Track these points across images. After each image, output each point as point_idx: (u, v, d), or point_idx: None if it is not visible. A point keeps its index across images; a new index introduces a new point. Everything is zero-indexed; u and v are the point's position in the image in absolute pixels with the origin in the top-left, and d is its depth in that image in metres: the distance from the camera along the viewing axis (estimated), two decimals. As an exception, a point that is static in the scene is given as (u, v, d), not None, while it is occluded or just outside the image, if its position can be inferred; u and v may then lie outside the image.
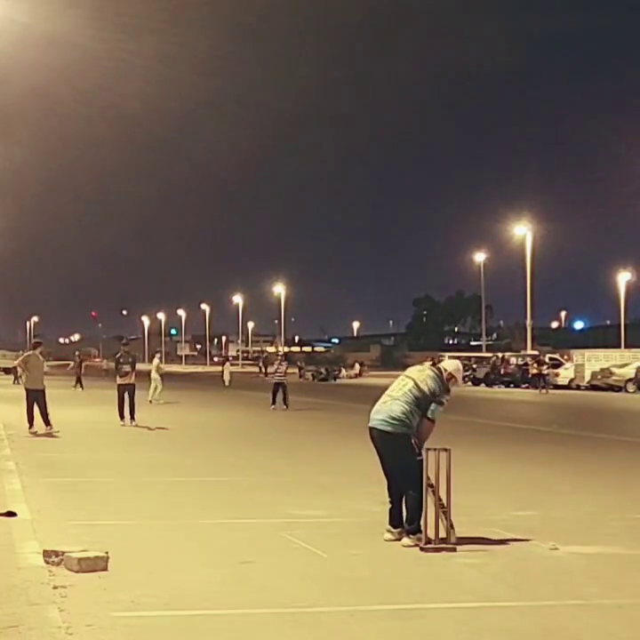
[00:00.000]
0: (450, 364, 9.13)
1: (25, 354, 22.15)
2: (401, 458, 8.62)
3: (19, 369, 21.76)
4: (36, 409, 19.73)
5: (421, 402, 8.66)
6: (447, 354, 65.68)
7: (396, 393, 8.77)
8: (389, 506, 8.86)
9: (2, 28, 26.54)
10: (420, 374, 8.83)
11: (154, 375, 31.81)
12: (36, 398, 19.71)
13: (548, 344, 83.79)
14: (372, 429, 8.83)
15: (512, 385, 53.10)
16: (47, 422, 19.54)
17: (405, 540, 8.52)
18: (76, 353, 49.74)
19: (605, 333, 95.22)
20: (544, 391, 46.99)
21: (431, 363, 9.11)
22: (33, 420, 19.66)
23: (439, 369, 8.94)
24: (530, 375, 50.65)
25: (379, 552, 8.32)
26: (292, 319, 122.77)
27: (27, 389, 20.03)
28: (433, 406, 8.69)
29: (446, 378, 8.87)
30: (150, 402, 29.41)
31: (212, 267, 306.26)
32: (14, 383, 42.37)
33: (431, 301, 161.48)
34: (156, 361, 33.44)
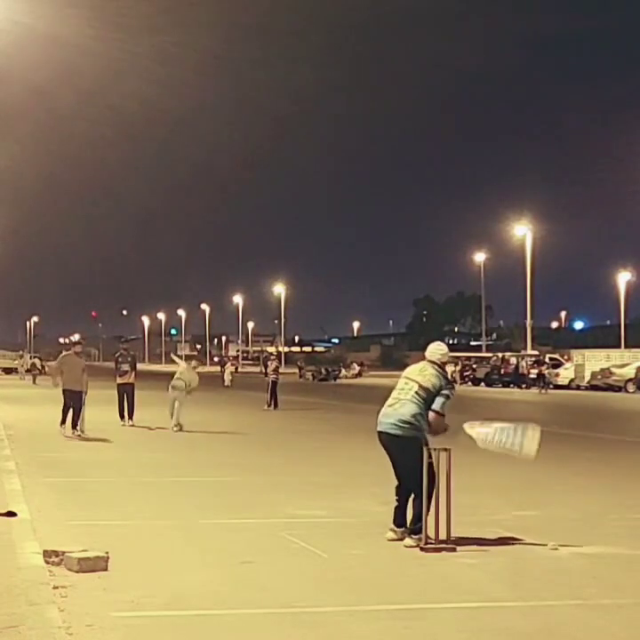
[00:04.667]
0: (435, 352, 8.99)
1: (62, 354, 20.40)
2: (411, 460, 8.56)
3: (48, 369, 21.07)
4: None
5: (428, 401, 8.68)
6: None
7: (404, 396, 8.75)
8: (396, 505, 8.85)
9: (2, 28, 26.52)
10: (422, 376, 8.81)
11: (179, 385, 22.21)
12: (72, 399, 18.84)
13: (548, 344, 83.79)
14: (380, 434, 8.80)
15: (512, 385, 53.11)
16: (75, 424, 18.74)
17: (408, 541, 8.52)
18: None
19: (605, 333, 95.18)
20: (544, 391, 47.00)
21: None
22: (75, 422, 18.81)
23: (438, 364, 8.94)
24: (530, 375, 50.61)
25: (379, 552, 8.32)
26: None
27: (63, 390, 19.14)
28: (438, 399, 8.68)
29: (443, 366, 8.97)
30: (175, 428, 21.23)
31: (212, 267, 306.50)
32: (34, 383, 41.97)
33: (431, 301, 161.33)
34: (181, 366, 23.06)
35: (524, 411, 34.17)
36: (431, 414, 8.65)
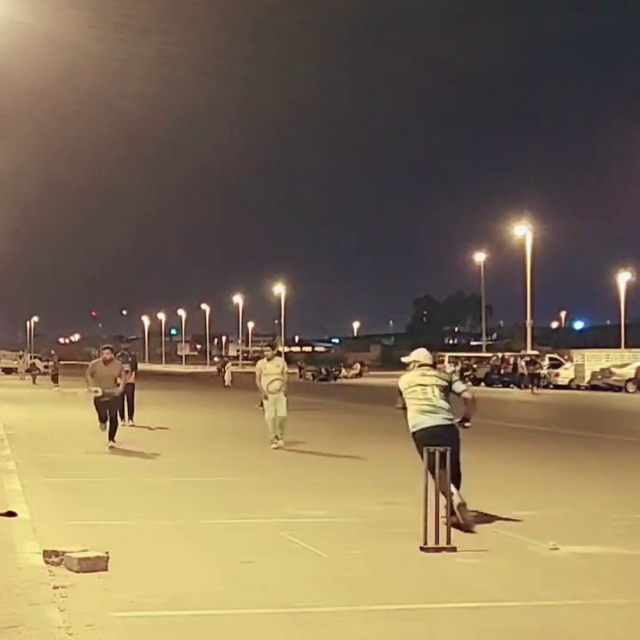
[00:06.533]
0: (427, 356, 10.11)
1: (92, 362, 18.04)
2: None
3: (88, 379, 17.40)
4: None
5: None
6: (447, 354, 65.68)
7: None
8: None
9: (2, 28, 26.51)
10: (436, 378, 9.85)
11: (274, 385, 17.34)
12: (108, 408, 17.02)
13: (548, 344, 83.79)
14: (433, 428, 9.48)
15: (512, 385, 53.05)
16: (112, 435, 17.00)
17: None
18: (52, 352, 49.81)
19: (605, 333, 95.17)
20: (537, 391, 46.89)
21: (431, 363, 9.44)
22: (113, 432, 17.02)
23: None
24: (524, 375, 50.43)
25: (379, 552, 8.32)
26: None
27: (94, 400, 17.18)
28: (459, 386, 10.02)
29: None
30: (275, 442, 17.24)
31: (212, 267, 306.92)
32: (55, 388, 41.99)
33: (431, 301, 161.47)
34: (277, 363, 17.71)
35: (521, 410, 34.17)
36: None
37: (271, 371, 17.44)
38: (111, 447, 16.72)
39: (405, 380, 9.76)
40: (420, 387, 9.59)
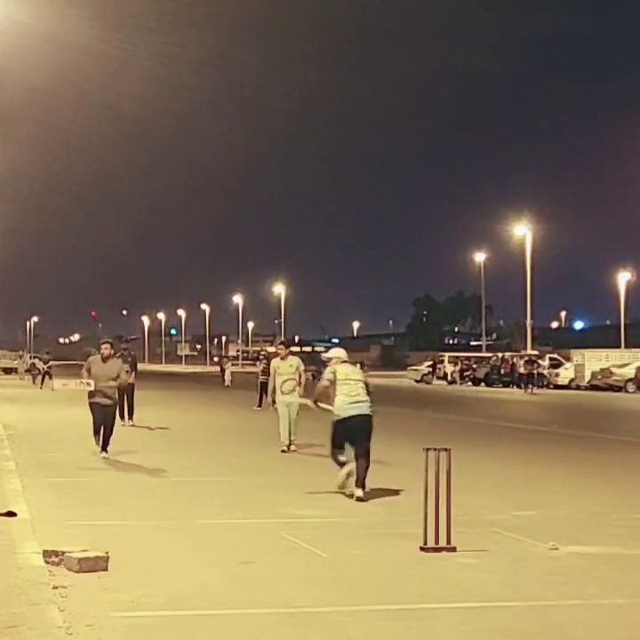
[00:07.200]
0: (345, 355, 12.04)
1: (90, 358, 15.87)
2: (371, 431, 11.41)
3: (83, 375, 15.30)
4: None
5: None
6: (447, 354, 65.66)
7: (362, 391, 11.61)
8: (352, 469, 11.10)
9: (2, 28, 26.51)
10: (361, 375, 11.86)
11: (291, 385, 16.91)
12: (103, 414, 15.16)
13: (548, 344, 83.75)
14: (354, 416, 11.25)
15: (511, 385, 53.01)
16: (105, 445, 15.22)
17: (360, 492, 10.87)
18: (46, 352, 49.80)
19: (605, 333, 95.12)
20: (536, 391, 46.84)
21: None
22: (106, 443, 15.26)
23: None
24: (517, 374, 50.35)
25: (379, 552, 8.32)
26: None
27: (90, 403, 15.34)
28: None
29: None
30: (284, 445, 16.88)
31: (212, 267, 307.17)
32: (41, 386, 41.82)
33: (431, 301, 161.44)
34: (291, 363, 17.23)
35: (521, 411, 34.17)
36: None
37: (284, 371, 16.85)
38: (104, 458, 15.01)
39: (342, 372, 11.53)
40: (354, 380, 11.48)
